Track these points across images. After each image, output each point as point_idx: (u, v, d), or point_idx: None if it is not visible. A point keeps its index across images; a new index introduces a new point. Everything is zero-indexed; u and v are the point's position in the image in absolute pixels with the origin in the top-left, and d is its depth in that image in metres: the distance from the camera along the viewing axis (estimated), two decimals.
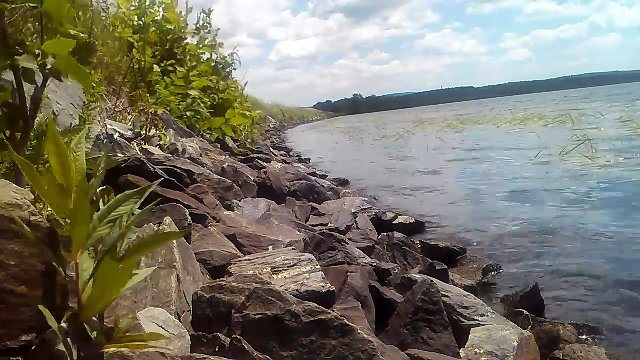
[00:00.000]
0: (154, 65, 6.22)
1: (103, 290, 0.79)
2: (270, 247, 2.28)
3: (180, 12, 7.58)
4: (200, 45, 8.28)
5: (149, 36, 6.72)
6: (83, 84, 1.10)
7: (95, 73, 3.09)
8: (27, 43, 1.08)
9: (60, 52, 1.06)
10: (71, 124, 2.51)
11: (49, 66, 1.09)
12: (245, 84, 9.97)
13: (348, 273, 1.98)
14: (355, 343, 1.19)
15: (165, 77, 6.34)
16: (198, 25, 8.15)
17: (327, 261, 2.41)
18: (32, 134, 1.27)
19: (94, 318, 0.93)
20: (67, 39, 1.06)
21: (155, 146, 4.11)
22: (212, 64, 8.59)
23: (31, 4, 1.08)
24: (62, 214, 0.84)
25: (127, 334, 0.87)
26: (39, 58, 1.07)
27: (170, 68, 6.52)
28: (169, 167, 2.96)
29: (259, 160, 6.31)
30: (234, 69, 8.91)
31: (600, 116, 13.98)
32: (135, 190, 0.92)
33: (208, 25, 8.25)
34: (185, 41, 7.62)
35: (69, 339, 0.84)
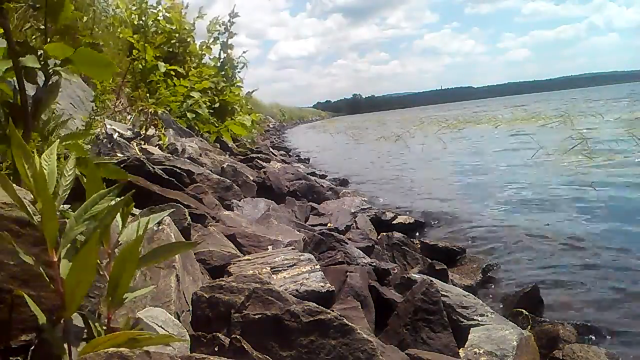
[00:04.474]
0: (159, 64, 6.22)
1: (76, 284, 0.80)
2: (269, 247, 2.28)
3: (185, 14, 7.60)
4: (203, 46, 8.30)
5: (150, 36, 6.72)
6: (103, 75, 1.09)
7: (107, 81, 3.10)
8: (29, 43, 1.08)
9: (62, 56, 1.06)
10: (77, 127, 2.52)
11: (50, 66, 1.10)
12: (253, 91, 10.02)
13: (348, 273, 1.98)
14: (355, 343, 1.20)
15: (168, 80, 6.34)
16: (224, 26, 8.22)
17: (327, 261, 2.41)
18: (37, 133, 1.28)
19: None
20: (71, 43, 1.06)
21: (155, 146, 4.11)
22: (217, 64, 8.60)
23: (35, 4, 1.08)
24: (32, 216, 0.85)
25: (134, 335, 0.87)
26: (41, 58, 1.07)
27: (173, 73, 6.52)
28: (168, 167, 2.96)
29: (258, 160, 6.31)
30: (239, 71, 8.91)
31: (599, 116, 13.99)
32: (110, 188, 0.93)
33: (229, 26, 8.32)
34: (187, 41, 7.62)
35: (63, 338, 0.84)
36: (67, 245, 0.86)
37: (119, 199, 1.03)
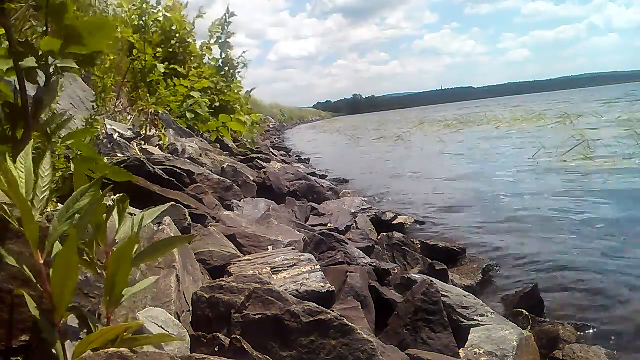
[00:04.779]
0: (157, 64, 6.22)
1: (61, 285, 0.80)
2: (269, 247, 2.28)
3: (186, 14, 7.60)
4: (203, 47, 8.31)
5: (151, 36, 6.72)
6: (103, 39, 1.08)
7: (108, 78, 3.09)
8: (30, 42, 1.08)
9: (57, 49, 1.06)
10: (77, 127, 2.52)
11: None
12: (251, 90, 10.00)
13: (348, 273, 1.98)
14: (355, 343, 1.20)
15: (167, 79, 6.34)
16: (221, 26, 8.22)
17: (327, 261, 2.41)
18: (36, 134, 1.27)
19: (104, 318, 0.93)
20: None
21: (155, 146, 4.11)
22: (217, 64, 8.60)
23: (35, 4, 1.08)
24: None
25: (134, 335, 0.87)
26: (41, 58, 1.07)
27: (172, 72, 6.52)
28: (168, 167, 2.96)
29: (258, 160, 6.31)
30: (239, 71, 8.91)
31: (599, 116, 13.99)
32: (90, 184, 0.93)
33: (226, 26, 8.33)
34: (187, 41, 7.62)
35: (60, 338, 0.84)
36: (53, 244, 0.86)
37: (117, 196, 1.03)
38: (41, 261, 0.83)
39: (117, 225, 1.03)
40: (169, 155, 3.65)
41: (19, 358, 0.85)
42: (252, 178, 4.44)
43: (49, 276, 0.81)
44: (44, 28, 1.14)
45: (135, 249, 0.98)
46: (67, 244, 0.78)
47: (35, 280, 0.82)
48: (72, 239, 0.78)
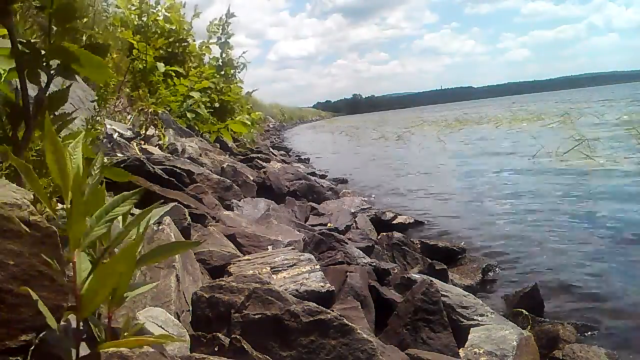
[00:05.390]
0: (158, 64, 6.22)
1: (99, 288, 0.80)
2: (269, 247, 2.28)
3: (185, 14, 7.61)
4: (203, 47, 8.31)
5: (150, 37, 6.72)
6: (99, 77, 1.09)
7: (110, 81, 3.08)
8: (33, 43, 1.08)
9: (63, 59, 1.06)
10: (77, 127, 2.51)
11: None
12: (253, 91, 10.02)
13: (348, 273, 1.98)
14: (355, 343, 1.20)
15: (168, 80, 6.34)
16: (221, 27, 8.24)
17: (327, 261, 2.41)
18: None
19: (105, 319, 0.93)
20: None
21: (155, 146, 4.11)
22: (217, 63, 8.60)
23: (40, 4, 1.07)
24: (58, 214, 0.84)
25: (134, 335, 0.87)
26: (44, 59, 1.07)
27: (173, 73, 6.53)
28: (168, 167, 2.96)
29: (258, 160, 6.31)
30: (239, 72, 8.91)
31: (600, 116, 13.99)
32: (133, 191, 0.93)
33: (226, 26, 8.35)
34: (187, 41, 7.63)
35: (68, 338, 0.85)
36: (86, 246, 0.86)
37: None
38: (75, 259, 0.83)
39: (120, 226, 1.03)
40: (169, 155, 3.65)
41: (19, 358, 0.85)
42: (252, 178, 4.44)
43: (76, 275, 0.82)
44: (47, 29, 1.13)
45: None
46: (121, 254, 0.78)
47: (59, 281, 0.82)
48: (133, 248, 0.78)
